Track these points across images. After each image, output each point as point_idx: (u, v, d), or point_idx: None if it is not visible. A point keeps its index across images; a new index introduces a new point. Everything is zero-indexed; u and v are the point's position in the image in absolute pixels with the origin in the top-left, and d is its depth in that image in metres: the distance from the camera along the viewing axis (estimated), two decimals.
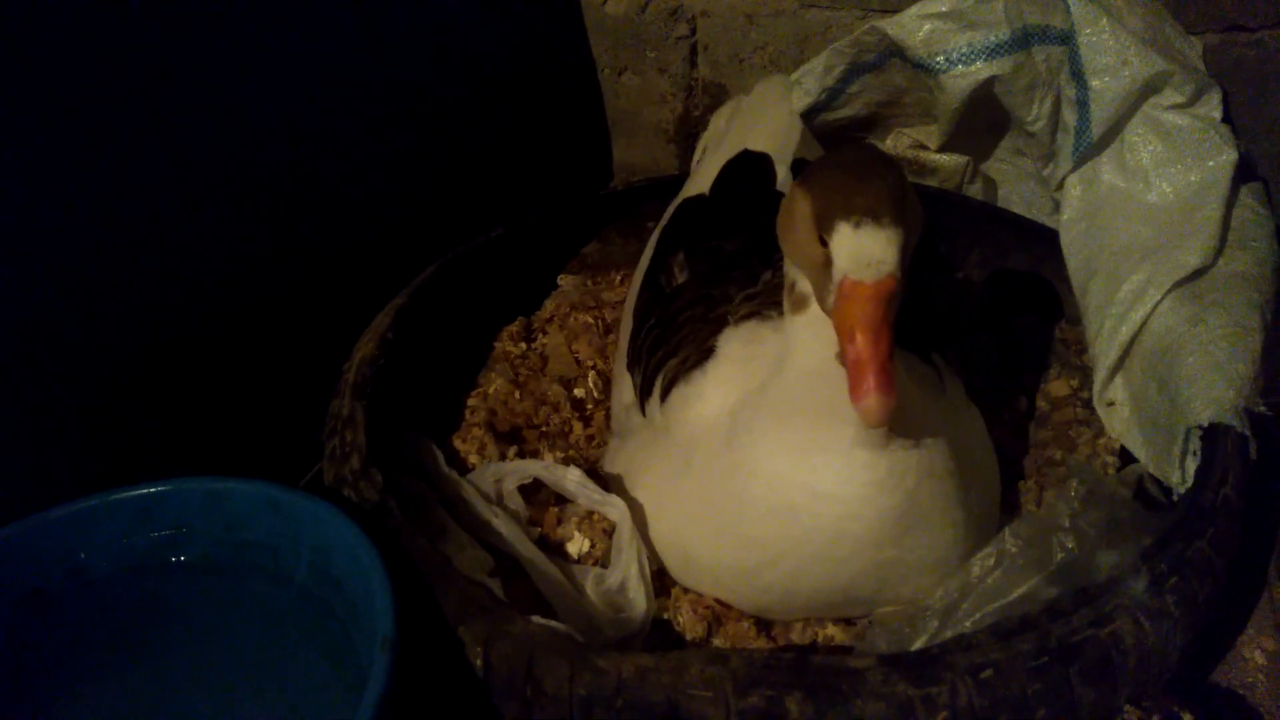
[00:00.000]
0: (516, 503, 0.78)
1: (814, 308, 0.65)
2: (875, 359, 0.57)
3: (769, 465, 0.68)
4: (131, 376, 0.82)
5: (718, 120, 1.07)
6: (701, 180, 0.90)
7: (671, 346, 0.79)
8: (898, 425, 0.63)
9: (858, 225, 0.59)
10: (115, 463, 0.81)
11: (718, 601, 0.76)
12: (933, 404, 0.69)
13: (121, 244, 0.79)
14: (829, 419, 0.65)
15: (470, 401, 0.96)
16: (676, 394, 0.77)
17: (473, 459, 0.87)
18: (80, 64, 0.74)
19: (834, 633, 0.74)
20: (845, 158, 0.65)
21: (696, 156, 1.08)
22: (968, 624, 0.65)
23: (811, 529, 0.67)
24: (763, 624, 0.75)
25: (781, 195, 0.84)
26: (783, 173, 0.87)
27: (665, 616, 0.75)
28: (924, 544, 0.68)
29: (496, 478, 0.78)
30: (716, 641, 0.74)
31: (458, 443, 0.90)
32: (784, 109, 0.92)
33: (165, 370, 0.85)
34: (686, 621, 0.75)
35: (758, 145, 0.89)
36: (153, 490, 0.70)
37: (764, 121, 0.92)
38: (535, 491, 0.82)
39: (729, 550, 0.72)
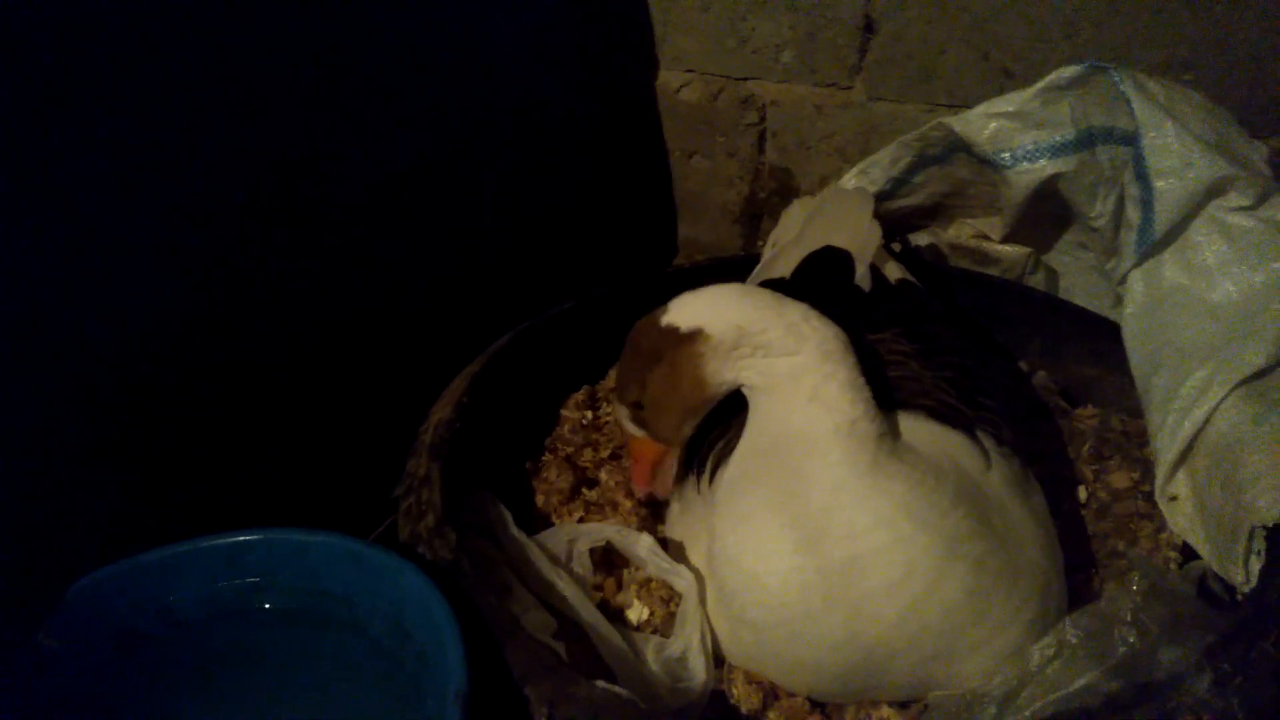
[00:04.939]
0: (585, 565, 0.80)
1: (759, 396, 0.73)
2: (633, 473, 0.84)
3: (722, 547, 0.73)
4: (218, 433, 0.87)
5: (788, 218, 1.11)
6: (782, 267, 0.95)
7: (724, 426, 0.82)
8: (834, 520, 0.68)
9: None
10: (198, 511, 0.85)
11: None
12: (908, 489, 0.68)
13: (217, 310, 0.85)
14: (767, 505, 0.70)
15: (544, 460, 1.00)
16: (718, 480, 0.79)
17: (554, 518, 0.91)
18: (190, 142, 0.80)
19: (889, 715, 0.74)
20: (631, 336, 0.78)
21: (766, 251, 1.12)
22: (1027, 713, 0.65)
23: (763, 619, 0.70)
24: (817, 701, 0.75)
25: (859, 289, 0.88)
26: (861, 269, 0.91)
27: (721, 688, 0.76)
28: (909, 621, 0.67)
29: (570, 538, 0.81)
30: (771, 716, 0.75)
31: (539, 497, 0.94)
32: (865, 217, 0.97)
33: (249, 428, 0.90)
34: (741, 694, 0.76)
35: (839, 244, 0.94)
36: (242, 539, 0.74)
37: (847, 225, 0.97)
38: (597, 556, 0.84)
39: (731, 635, 0.74)
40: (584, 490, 0.96)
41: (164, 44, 0.75)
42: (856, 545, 0.67)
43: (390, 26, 0.98)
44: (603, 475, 0.99)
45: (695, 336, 0.72)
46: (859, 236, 0.94)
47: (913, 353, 0.81)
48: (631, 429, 0.81)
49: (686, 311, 0.73)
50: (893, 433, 0.72)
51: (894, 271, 0.96)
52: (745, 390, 0.75)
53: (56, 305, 0.72)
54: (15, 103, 0.66)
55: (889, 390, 0.77)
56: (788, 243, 1.01)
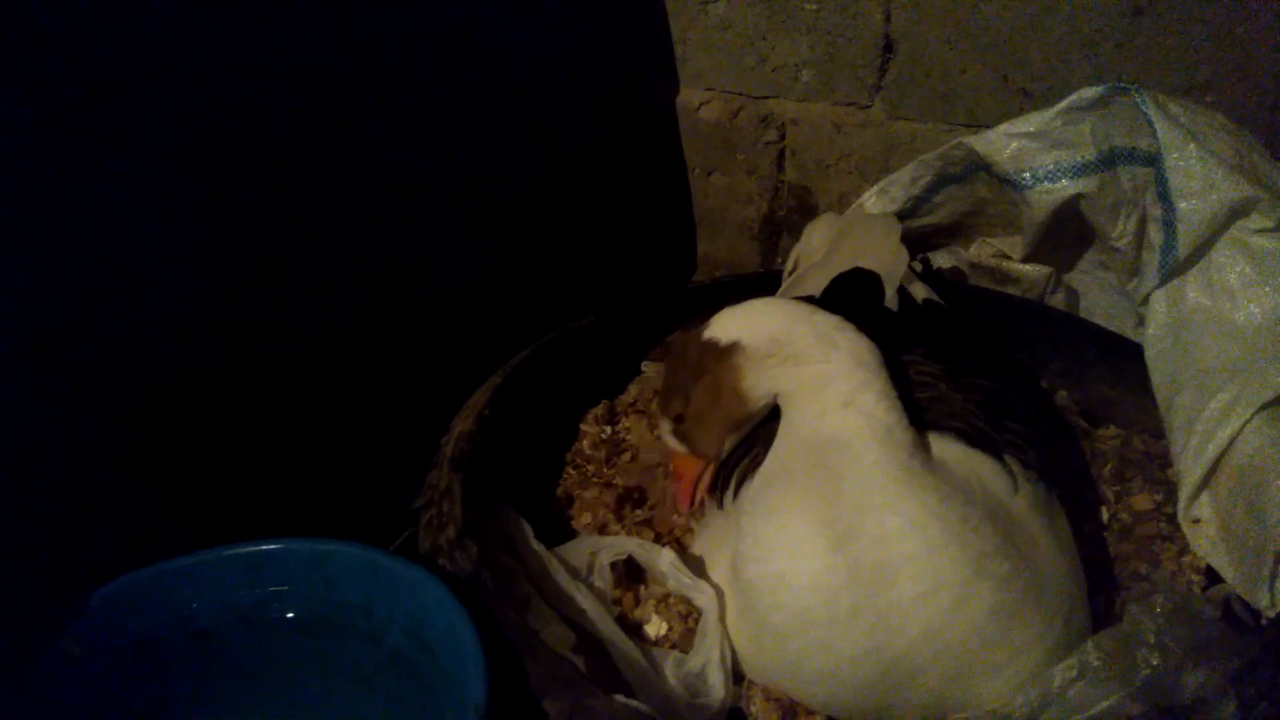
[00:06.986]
0: (606, 578, 0.80)
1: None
2: (677, 492, 0.85)
3: (751, 546, 0.72)
4: (239, 442, 0.88)
5: (811, 235, 1.11)
6: (811, 286, 0.95)
7: (747, 443, 0.82)
8: (866, 523, 0.68)
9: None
10: (219, 521, 0.85)
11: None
12: (935, 508, 0.68)
13: (238, 319, 0.86)
14: (799, 504, 0.70)
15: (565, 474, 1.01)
16: (745, 491, 0.79)
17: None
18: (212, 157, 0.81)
19: None
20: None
21: (789, 267, 1.12)
22: None
23: (787, 624, 0.70)
24: None
25: (890, 311, 0.90)
26: (890, 292, 0.92)
27: (739, 705, 0.76)
28: (933, 637, 0.67)
29: (592, 550, 0.81)
30: None
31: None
32: (894, 241, 0.99)
33: (270, 438, 0.90)
34: (760, 711, 0.75)
35: (868, 266, 0.94)
36: (262, 548, 0.74)
37: (875, 247, 0.98)
38: (616, 569, 0.84)
39: (753, 645, 0.74)
40: (605, 507, 0.97)
41: (182, 46, 0.76)
42: (887, 550, 0.67)
43: (413, 45, 0.99)
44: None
45: (733, 349, 0.74)
46: (888, 259, 0.95)
47: (941, 374, 0.81)
48: (673, 443, 0.82)
49: (725, 325, 0.75)
50: (925, 448, 0.72)
51: (920, 291, 0.96)
52: (780, 400, 0.76)
53: (77, 314, 0.73)
54: (27, 105, 0.66)
55: (919, 411, 0.77)
56: (815, 263, 1.02)
